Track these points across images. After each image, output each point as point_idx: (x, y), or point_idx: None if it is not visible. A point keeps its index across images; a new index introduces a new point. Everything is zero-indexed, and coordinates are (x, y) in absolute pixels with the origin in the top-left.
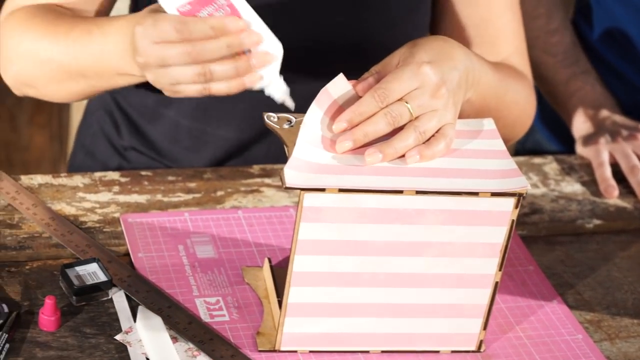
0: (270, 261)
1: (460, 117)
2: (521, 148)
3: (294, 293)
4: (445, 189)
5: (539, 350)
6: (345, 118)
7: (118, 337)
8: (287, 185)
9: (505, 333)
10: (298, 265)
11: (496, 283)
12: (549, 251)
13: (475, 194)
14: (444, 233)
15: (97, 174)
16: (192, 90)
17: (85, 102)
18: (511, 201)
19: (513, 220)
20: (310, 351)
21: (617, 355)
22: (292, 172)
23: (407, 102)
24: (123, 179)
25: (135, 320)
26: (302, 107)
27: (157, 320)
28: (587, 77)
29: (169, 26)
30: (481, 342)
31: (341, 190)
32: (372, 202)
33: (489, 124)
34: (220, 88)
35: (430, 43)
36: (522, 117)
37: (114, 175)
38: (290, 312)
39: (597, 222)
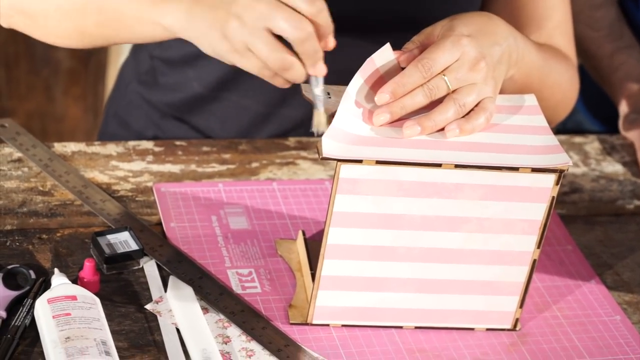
0: (304, 234)
1: (502, 94)
2: (562, 128)
3: (328, 266)
4: (485, 164)
5: (576, 330)
6: (389, 90)
7: (148, 306)
8: (324, 156)
9: (542, 312)
10: (332, 238)
11: (534, 261)
12: (588, 231)
13: (516, 169)
14: (482, 208)
15: (131, 143)
16: (253, 64)
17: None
18: (552, 177)
19: (553, 197)
20: (343, 325)
21: None
22: (330, 142)
23: (444, 75)
24: (157, 149)
25: (165, 290)
26: (348, 76)
27: (188, 291)
28: (631, 51)
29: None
30: (517, 320)
31: (378, 162)
32: (409, 175)
33: (530, 99)
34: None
35: (471, 17)
36: (565, 99)
37: (147, 144)
38: (324, 285)
39: (638, 203)
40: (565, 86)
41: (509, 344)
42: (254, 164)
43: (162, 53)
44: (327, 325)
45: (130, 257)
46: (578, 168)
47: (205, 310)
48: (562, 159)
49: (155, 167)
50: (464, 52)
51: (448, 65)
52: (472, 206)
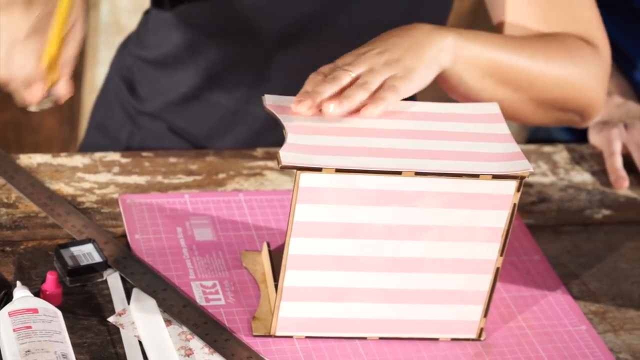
0: (269, 245)
1: (464, 102)
2: (533, 138)
3: (290, 276)
4: (445, 171)
5: (541, 340)
6: (300, 97)
7: (111, 319)
8: (283, 165)
9: (507, 322)
10: (294, 248)
11: (497, 269)
12: (556, 241)
13: (476, 176)
14: (444, 216)
15: (98, 155)
16: None
17: (97, 85)
18: (513, 184)
19: (515, 204)
20: (306, 337)
21: (621, 347)
22: (290, 152)
23: (346, 69)
24: (124, 160)
25: (129, 303)
26: (299, 83)
27: (151, 303)
28: None
29: None
30: (481, 330)
31: (338, 171)
32: (370, 183)
33: (492, 108)
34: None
35: (392, 37)
36: (577, 96)
37: (114, 155)
38: (286, 296)
39: (606, 212)
40: (574, 81)
41: (473, 355)
42: (221, 175)
43: (140, 52)
44: (291, 337)
45: (94, 269)
46: (546, 177)
47: (168, 322)
48: (522, 166)
49: (122, 179)
50: (351, 57)
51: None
52: (433, 214)
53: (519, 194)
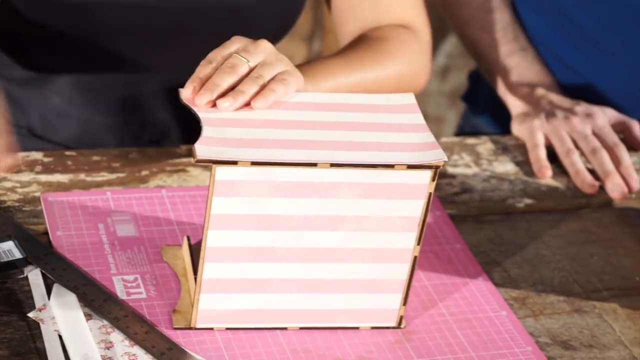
0: (189, 239)
1: (379, 93)
2: (460, 132)
3: (209, 269)
4: (360, 162)
5: (461, 326)
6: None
7: (31, 314)
8: (198, 159)
9: (428, 310)
10: (212, 241)
11: (415, 257)
12: (478, 230)
13: (391, 166)
14: (360, 207)
15: (20, 154)
16: None
17: None
18: (428, 174)
19: (430, 193)
20: (227, 328)
21: (541, 331)
22: (205, 146)
23: (244, 57)
24: (46, 159)
25: (49, 298)
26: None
27: (72, 298)
28: (524, 54)
29: None
30: (401, 318)
31: (254, 163)
32: (285, 175)
33: (408, 98)
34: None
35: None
36: (407, 82)
37: (37, 155)
38: (205, 288)
39: (528, 201)
40: (397, 77)
41: (393, 342)
42: (144, 172)
43: (10, 73)
44: (211, 328)
45: (14, 266)
46: (469, 169)
47: (89, 316)
48: (437, 155)
49: (44, 178)
50: (240, 42)
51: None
52: (350, 205)
53: (434, 184)
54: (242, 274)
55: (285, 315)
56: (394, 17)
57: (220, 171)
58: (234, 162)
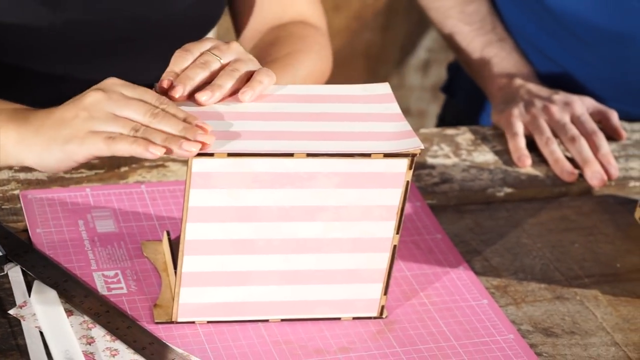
0: (169, 234)
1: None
2: (440, 123)
3: (188, 262)
4: (337, 151)
5: (443, 315)
6: (167, 77)
7: (11, 311)
8: None
9: (409, 299)
10: (190, 234)
11: (394, 247)
12: (458, 219)
13: (368, 155)
14: (338, 196)
15: None
16: (101, 146)
17: None
18: (405, 162)
19: (408, 182)
20: (208, 322)
21: (523, 319)
22: None
23: (215, 54)
24: None
25: (30, 295)
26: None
27: (52, 294)
28: (503, 44)
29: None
30: (382, 307)
31: (230, 155)
32: (262, 166)
33: (384, 88)
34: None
35: None
36: (320, 80)
37: None
38: (185, 281)
39: (508, 190)
40: (315, 70)
41: (375, 332)
42: (123, 168)
43: None
44: (193, 322)
45: None
46: (449, 159)
47: (69, 312)
48: (413, 144)
49: (23, 175)
50: (212, 42)
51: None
52: (327, 195)
53: (411, 172)
54: (222, 267)
55: (267, 308)
56: (293, 13)
57: (197, 163)
58: (211, 154)
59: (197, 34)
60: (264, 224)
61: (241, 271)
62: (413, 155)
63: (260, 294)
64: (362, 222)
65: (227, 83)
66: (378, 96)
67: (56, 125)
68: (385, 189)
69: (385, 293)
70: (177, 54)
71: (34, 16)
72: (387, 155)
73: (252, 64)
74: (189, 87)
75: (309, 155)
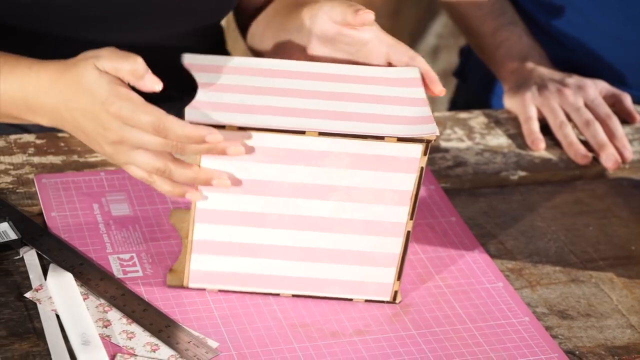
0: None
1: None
2: (453, 107)
3: (199, 230)
4: (349, 132)
5: (458, 298)
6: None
7: (28, 294)
8: (187, 121)
9: (425, 282)
10: (201, 202)
11: (408, 232)
12: (472, 203)
13: (381, 138)
14: (349, 177)
15: (13, 137)
16: (138, 174)
17: None
18: (419, 147)
19: (422, 168)
20: (219, 290)
21: (538, 302)
22: (194, 110)
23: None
24: (39, 141)
25: (46, 279)
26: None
27: (68, 277)
28: (514, 28)
29: (148, 121)
30: (396, 293)
31: (241, 128)
32: (273, 142)
33: (413, 72)
34: (164, 187)
35: None
36: None
37: (29, 137)
38: (196, 248)
39: (521, 173)
40: None
41: (391, 315)
42: None
43: None
44: (204, 290)
45: (9, 247)
46: (462, 142)
47: (85, 296)
48: (429, 129)
49: (37, 159)
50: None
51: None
52: (339, 174)
53: (426, 158)
54: (233, 237)
55: (278, 282)
56: None
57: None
58: (222, 127)
59: (212, 15)
60: (276, 199)
61: (252, 243)
62: (428, 142)
63: (271, 267)
64: (374, 205)
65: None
66: (405, 80)
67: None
68: (398, 174)
69: (399, 278)
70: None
71: None
72: (401, 140)
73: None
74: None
75: (321, 134)
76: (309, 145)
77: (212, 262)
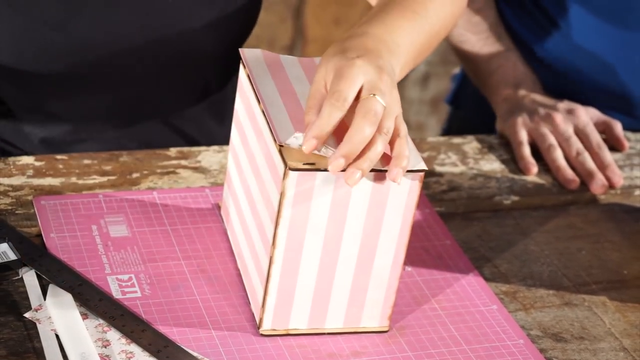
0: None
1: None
2: (446, 133)
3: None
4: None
5: (453, 320)
6: (341, 153)
7: (27, 314)
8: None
9: (420, 305)
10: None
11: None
12: (466, 227)
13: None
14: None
15: (11, 159)
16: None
17: None
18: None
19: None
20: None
21: (532, 324)
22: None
23: (374, 95)
24: (37, 163)
25: (45, 299)
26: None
27: (67, 298)
28: (509, 54)
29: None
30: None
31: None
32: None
33: None
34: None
35: (344, 43)
36: (449, 26)
37: (28, 159)
38: None
39: (514, 198)
40: (445, 19)
41: (387, 336)
42: (135, 175)
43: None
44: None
45: (9, 267)
46: (456, 167)
47: (85, 315)
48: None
49: (36, 181)
50: (365, 72)
51: (360, 89)
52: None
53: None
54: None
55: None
56: None
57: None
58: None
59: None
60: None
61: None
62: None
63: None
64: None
65: (375, 156)
66: None
67: None
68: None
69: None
70: (327, 103)
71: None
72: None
73: (395, 108)
74: (351, 158)
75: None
76: None
77: None
